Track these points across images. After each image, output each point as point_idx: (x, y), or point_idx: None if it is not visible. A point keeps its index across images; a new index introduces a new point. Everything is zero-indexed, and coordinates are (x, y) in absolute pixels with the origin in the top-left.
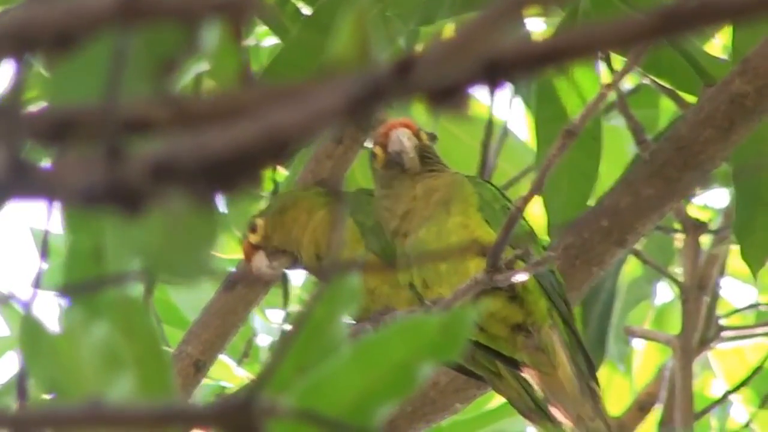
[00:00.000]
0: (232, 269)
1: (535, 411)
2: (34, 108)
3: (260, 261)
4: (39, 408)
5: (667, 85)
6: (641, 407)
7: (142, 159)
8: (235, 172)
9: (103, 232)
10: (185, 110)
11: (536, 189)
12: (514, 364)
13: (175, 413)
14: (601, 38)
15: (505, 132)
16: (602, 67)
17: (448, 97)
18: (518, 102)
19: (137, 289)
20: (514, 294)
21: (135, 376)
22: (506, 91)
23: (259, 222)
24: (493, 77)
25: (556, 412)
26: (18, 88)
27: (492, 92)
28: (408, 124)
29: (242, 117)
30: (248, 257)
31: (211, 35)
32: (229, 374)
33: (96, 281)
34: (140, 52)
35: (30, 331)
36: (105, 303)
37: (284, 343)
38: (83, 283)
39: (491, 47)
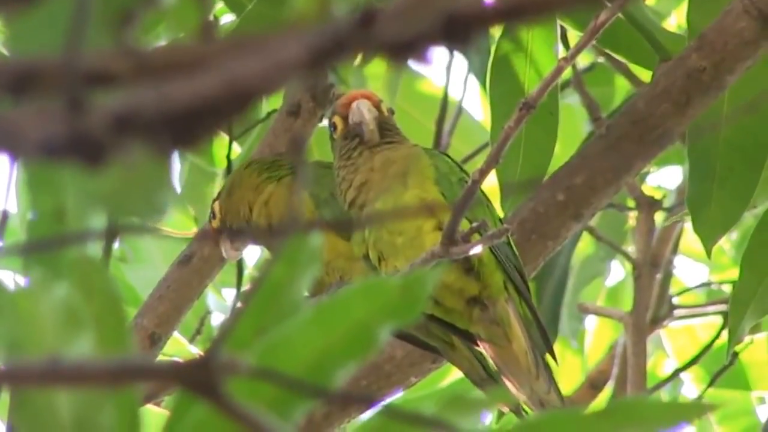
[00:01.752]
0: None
1: (488, 381)
2: None
3: (225, 244)
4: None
5: (624, 60)
6: (593, 385)
7: (103, 110)
8: (196, 124)
9: (65, 190)
10: (146, 62)
11: (493, 161)
12: (470, 338)
13: (134, 370)
14: None
15: (459, 111)
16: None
17: (408, 51)
18: (472, 80)
19: (97, 249)
20: (469, 267)
21: (94, 334)
22: (460, 68)
23: (215, 206)
24: (452, 33)
25: (509, 385)
26: None
27: (451, 48)
28: (369, 95)
29: (204, 69)
30: (215, 241)
31: None
32: (183, 351)
33: (57, 239)
34: (100, 3)
35: None
36: (65, 262)
37: (243, 302)
38: (44, 241)
39: (452, 3)
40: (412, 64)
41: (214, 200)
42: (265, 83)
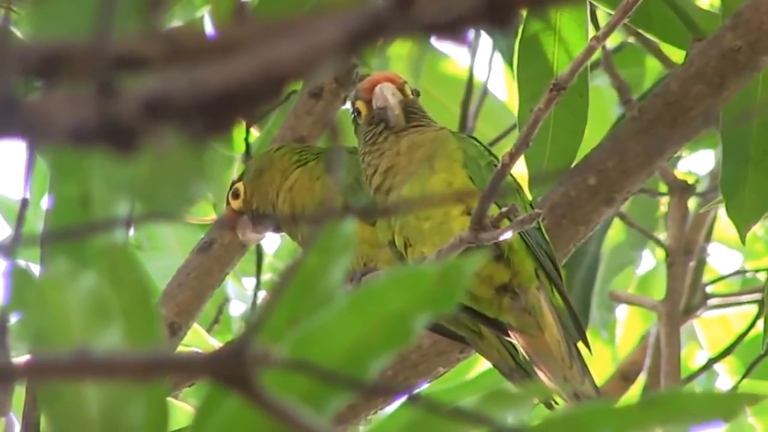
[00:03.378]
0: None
1: (517, 371)
2: (23, 42)
3: (245, 227)
4: (26, 358)
5: (656, 40)
6: (624, 376)
7: (134, 95)
8: (231, 108)
9: (91, 178)
10: (179, 46)
11: (523, 144)
12: (500, 327)
13: (165, 362)
14: None
15: (485, 93)
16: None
17: (447, 32)
18: (498, 61)
19: (125, 237)
20: (499, 253)
21: (123, 325)
22: (486, 49)
23: (240, 187)
24: (493, 14)
25: (542, 376)
26: (6, 21)
27: (492, 30)
28: (392, 78)
29: (238, 53)
30: (232, 224)
31: None
32: (201, 341)
33: (83, 228)
34: None
35: (17, 280)
36: (93, 250)
37: (277, 292)
38: (70, 230)
39: None
40: (451, 45)
41: (236, 180)
42: (301, 67)
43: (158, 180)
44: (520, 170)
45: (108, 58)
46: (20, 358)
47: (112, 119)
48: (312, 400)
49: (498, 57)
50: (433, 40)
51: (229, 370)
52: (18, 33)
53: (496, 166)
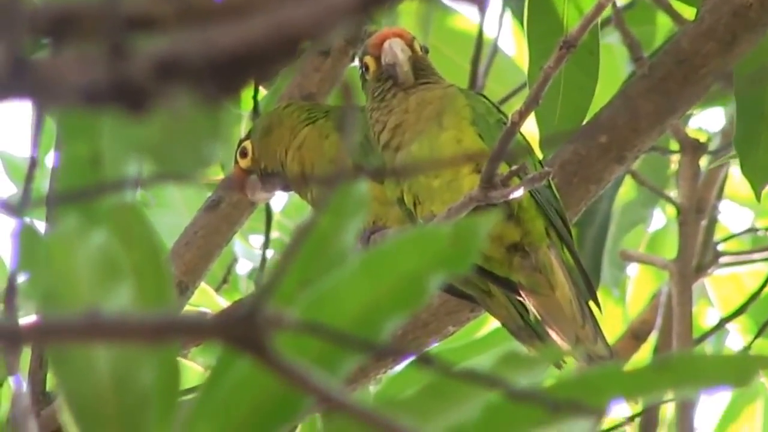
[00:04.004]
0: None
1: (526, 330)
2: (34, 3)
3: (254, 185)
4: (36, 320)
5: None
6: (635, 335)
7: (146, 56)
8: (243, 69)
9: (100, 137)
10: (191, 6)
11: (533, 102)
12: (510, 286)
13: (177, 324)
14: None
15: (495, 50)
16: None
17: None
18: (508, 18)
19: (136, 196)
20: (510, 212)
21: (133, 285)
22: (496, 5)
23: (248, 145)
24: None
25: (554, 335)
26: None
27: None
28: (401, 34)
29: (250, 13)
30: (241, 182)
31: None
32: (210, 301)
33: (93, 188)
34: None
35: (25, 240)
36: (103, 210)
37: (289, 253)
38: (80, 190)
39: None
40: (465, 4)
41: (244, 139)
42: (315, 28)
43: (172, 141)
44: (530, 129)
45: (119, 18)
46: (28, 318)
47: (123, 80)
48: (324, 363)
49: (508, 14)
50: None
51: (242, 332)
52: None
53: (505, 123)
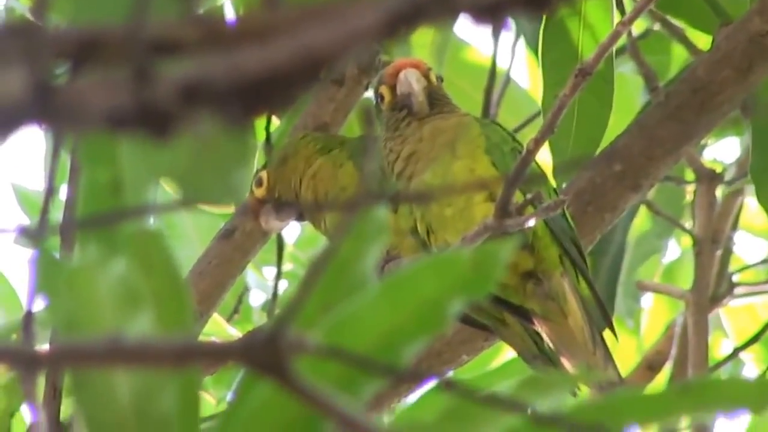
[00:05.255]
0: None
1: (541, 358)
2: (59, 28)
3: (268, 215)
4: (59, 345)
5: (682, 26)
6: (650, 366)
7: (171, 80)
8: (268, 93)
9: (120, 163)
10: (215, 31)
11: (549, 130)
12: (524, 314)
13: (199, 349)
14: None
15: (507, 80)
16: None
17: (487, 15)
18: (521, 49)
19: (157, 223)
20: (524, 240)
21: (154, 312)
22: (509, 35)
23: (263, 175)
24: None
25: (566, 363)
26: (42, 6)
27: (532, 13)
28: (417, 64)
29: (276, 37)
30: (255, 212)
31: None
32: (221, 331)
33: (113, 214)
34: None
35: (44, 267)
36: (123, 236)
37: (309, 277)
38: (100, 216)
39: None
40: (490, 30)
41: (260, 169)
42: (340, 50)
43: (200, 167)
44: (544, 157)
45: (144, 42)
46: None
47: (147, 104)
48: (344, 387)
49: (521, 45)
50: (470, 24)
51: (264, 356)
52: (54, 18)
53: (519, 152)
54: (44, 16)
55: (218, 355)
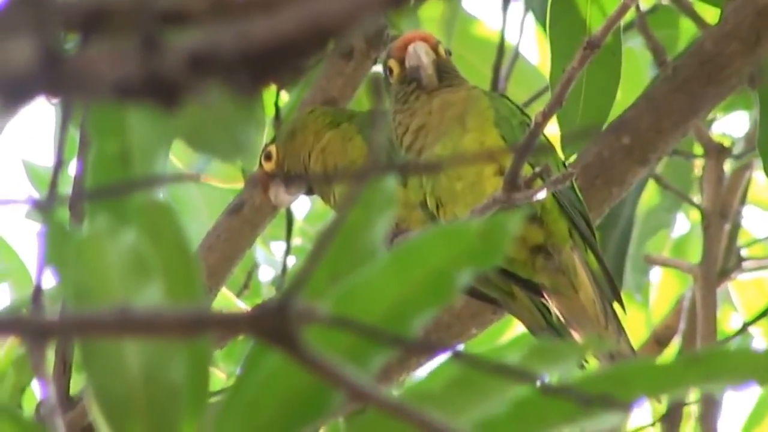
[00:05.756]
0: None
1: (549, 331)
2: None
3: (277, 189)
4: (68, 315)
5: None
6: (658, 341)
7: (179, 49)
8: (276, 62)
9: (130, 134)
10: (223, 0)
11: (557, 103)
12: (533, 288)
13: (209, 318)
14: None
15: (516, 55)
16: None
17: None
18: (530, 23)
19: (165, 194)
20: (533, 214)
21: (163, 282)
22: (518, 9)
23: (272, 149)
24: None
25: (576, 337)
26: None
27: None
28: (426, 37)
29: (283, 6)
30: (265, 186)
31: None
32: (231, 305)
33: (122, 185)
34: None
35: (56, 237)
36: (132, 208)
37: (318, 247)
38: (109, 188)
39: None
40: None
41: (269, 143)
42: (348, 20)
43: (209, 124)
44: (552, 130)
45: (152, 12)
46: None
47: (156, 74)
48: (353, 357)
49: (529, 20)
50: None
51: (273, 326)
52: None
53: (528, 125)
54: None
55: (228, 324)
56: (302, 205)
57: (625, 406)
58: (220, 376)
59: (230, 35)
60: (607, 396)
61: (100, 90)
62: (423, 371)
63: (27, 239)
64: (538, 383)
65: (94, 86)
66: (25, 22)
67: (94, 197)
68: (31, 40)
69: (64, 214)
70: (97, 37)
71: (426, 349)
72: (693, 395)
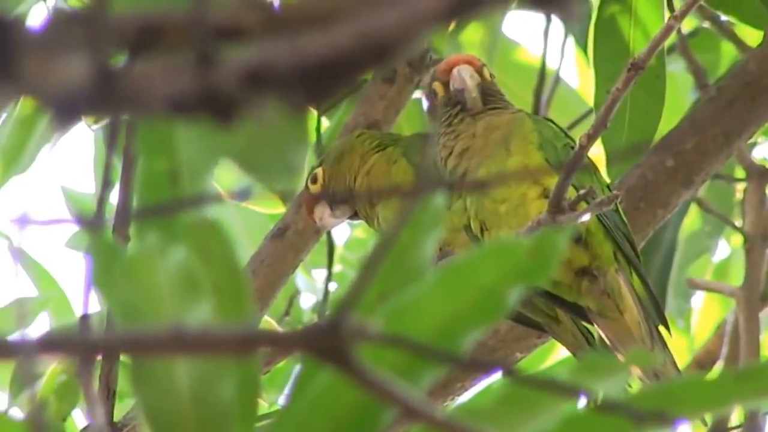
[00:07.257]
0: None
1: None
2: (121, 14)
3: (322, 211)
4: (120, 333)
5: (732, 20)
6: (700, 365)
7: (234, 65)
8: (331, 77)
9: (179, 153)
10: (277, 15)
11: (602, 125)
12: (578, 311)
13: (261, 336)
14: None
15: (557, 80)
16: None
17: (553, 2)
18: (570, 48)
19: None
20: (578, 236)
21: (213, 300)
22: (558, 34)
23: (319, 171)
24: None
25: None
26: None
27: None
28: (471, 60)
29: (338, 20)
30: (310, 209)
31: None
32: None
33: (172, 203)
34: None
35: (103, 256)
36: (181, 227)
37: (370, 265)
38: (158, 207)
39: None
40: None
41: (315, 166)
42: (402, 35)
43: (258, 147)
44: (596, 152)
45: (206, 27)
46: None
47: (211, 89)
48: (404, 375)
49: (570, 45)
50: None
51: (327, 344)
52: (116, 6)
53: (572, 148)
54: (105, 2)
55: (281, 342)
56: (343, 232)
57: (675, 422)
58: (262, 404)
59: (285, 50)
60: (659, 412)
61: (154, 106)
62: (473, 391)
63: (67, 268)
64: (588, 399)
65: (148, 102)
66: (79, 39)
67: (142, 216)
68: (84, 56)
69: (108, 237)
70: (151, 53)
71: (476, 366)
72: (736, 419)
